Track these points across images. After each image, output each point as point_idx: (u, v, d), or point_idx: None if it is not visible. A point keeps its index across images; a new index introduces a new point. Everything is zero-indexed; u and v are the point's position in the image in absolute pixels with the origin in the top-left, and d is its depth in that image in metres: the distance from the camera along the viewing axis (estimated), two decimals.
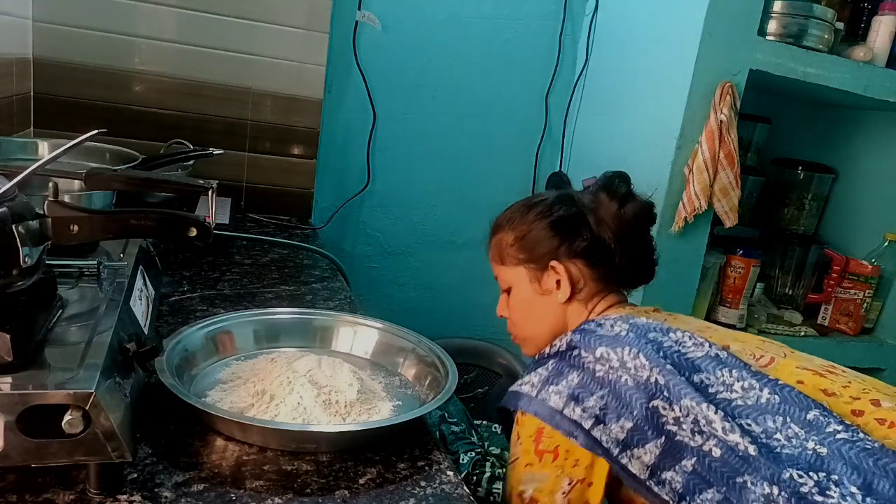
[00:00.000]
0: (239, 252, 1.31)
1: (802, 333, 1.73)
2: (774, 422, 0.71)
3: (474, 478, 1.64)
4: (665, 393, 0.74)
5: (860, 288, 1.75)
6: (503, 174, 1.96)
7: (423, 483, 0.68)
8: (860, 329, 1.79)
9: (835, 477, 0.65)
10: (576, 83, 1.88)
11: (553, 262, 0.91)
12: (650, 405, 0.74)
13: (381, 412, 0.78)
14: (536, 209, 0.95)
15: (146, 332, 0.77)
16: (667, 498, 0.71)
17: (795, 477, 0.66)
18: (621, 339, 0.79)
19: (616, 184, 0.94)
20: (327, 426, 0.72)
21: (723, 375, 0.75)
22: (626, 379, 0.76)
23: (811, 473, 0.66)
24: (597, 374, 0.78)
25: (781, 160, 1.91)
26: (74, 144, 0.64)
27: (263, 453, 0.68)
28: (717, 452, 0.70)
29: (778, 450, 0.69)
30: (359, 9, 1.68)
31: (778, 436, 0.70)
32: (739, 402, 0.73)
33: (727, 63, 1.42)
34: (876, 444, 0.66)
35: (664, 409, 0.73)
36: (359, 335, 0.95)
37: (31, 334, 0.58)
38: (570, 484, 0.76)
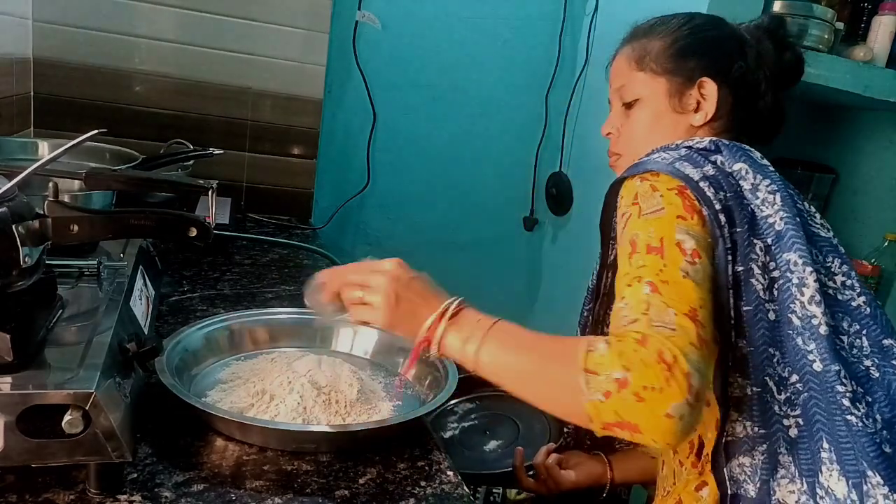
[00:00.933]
0: (239, 252, 1.31)
1: None
2: (850, 326, 0.70)
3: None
4: (774, 238, 0.69)
5: None
6: (503, 174, 1.96)
7: (422, 483, 0.68)
8: None
9: (869, 398, 0.66)
10: (576, 83, 1.88)
11: (704, 79, 0.84)
12: (753, 239, 0.69)
13: (381, 412, 0.78)
14: (696, 21, 0.89)
15: (146, 332, 0.77)
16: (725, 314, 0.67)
17: (840, 376, 0.65)
18: (766, 170, 0.73)
19: (781, 27, 0.89)
20: (327, 426, 0.72)
21: (831, 262, 0.73)
22: (750, 205, 0.71)
23: (853, 382, 0.66)
24: (729, 179, 0.71)
25: (781, 160, 1.91)
26: (74, 144, 0.64)
27: (263, 453, 0.68)
28: (772, 316, 0.68)
29: (838, 348, 0.68)
30: (359, 9, 1.68)
31: (845, 339, 0.69)
32: (831, 292, 0.71)
33: None
34: None
35: (760, 251, 0.69)
36: (359, 335, 0.95)
37: (31, 334, 0.58)
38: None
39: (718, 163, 0.74)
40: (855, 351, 0.69)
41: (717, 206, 0.68)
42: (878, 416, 0.65)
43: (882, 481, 0.62)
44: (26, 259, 0.57)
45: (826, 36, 1.47)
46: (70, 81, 1.45)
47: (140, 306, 0.78)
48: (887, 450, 0.64)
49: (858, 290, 0.72)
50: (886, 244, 1.77)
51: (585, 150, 1.83)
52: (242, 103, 1.57)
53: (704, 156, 0.74)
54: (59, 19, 1.41)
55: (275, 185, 1.64)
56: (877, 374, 0.68)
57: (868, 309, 0.71)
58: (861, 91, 1.51)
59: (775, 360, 0.68)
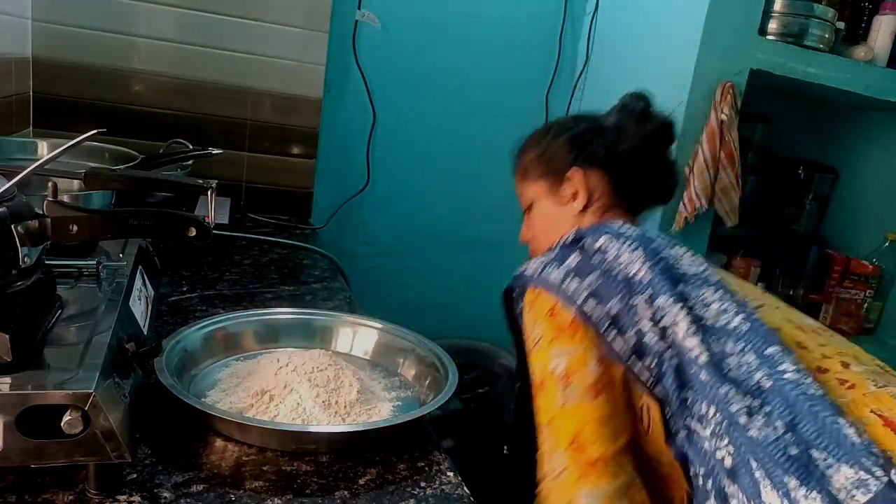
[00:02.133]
0: (238, 252, 1.31)
1: None
2: (734, 347, 0.73)
3: None
4: (648, 290, 0.75)
5: (861, 288, 1.75)
6: (503, 174, 1.95)
7: (422, 483, 0.67)
8: (861, 329, 1.79)
9: (767, 408, 0.68)
10: (576, 83, 1.88)
11: (570, 171, 0.94)
12: (631, 301, 0.74)
13: (381, 412, 0.78)
14: (557, 126, 1.00)
15: (145, 332, 0.77)
16: (644, 380, 0.73)
17: (731, 395, 0.68)
18: (625, 234, 0.80)
19: (634, 101, 0.97)
20: (327, 426, 0.72)
21: (703, 294, 0.76)
22: (619, 272, 0.76)
23: (747, 397, 0.68)
24: (593, 260, 0.78)
25: (782, 160, 1.91)
26: (74, 144, 0.64)
27: (263, 454, 0.68)
28: (674, 361, 0.72)
29: (726, 371, 0.71)
30: (358, 8, 1.68)
31: (731, 360, 0.72)
32: (709, 322, 0.74)
33: (728, 63, 1.42)
34: (818, 392, 0.68)
35: (643, 307, 0.74)
36: (358, 335, 0.95)
37: (31, 334, 0.57)
38: (598, 359, 0.74)
39: (585, 246, 0.81)
40: (744, 368, 0.71)
41: (584, 296, 0.75)
42: (778, 423, 0.66)
43: (798, 483, 0.63)
44: (25, 259, 0.57)
45: (827, 35, 1.47)
46: (69, 81, 1.44)
47: (139, 306, 0.78)
48: (793, 452, 0.65)
49: (734, 311, 0.75)
50: (887, 244, 1.77)
51: None
52: (242, 103, 1.57)
53: (570, 248, 0.82)
54: (58, 19, 1.41)
55: (274, 184, 1.64)
56: (769, 384, 0.69)
57: (746, 325, 0.73)
58: (862, 91, 1.51)
59: (689, 401, 0.71)
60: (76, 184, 0.76)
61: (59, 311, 0.65)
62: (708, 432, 0.70)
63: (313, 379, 0.77)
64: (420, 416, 0.75)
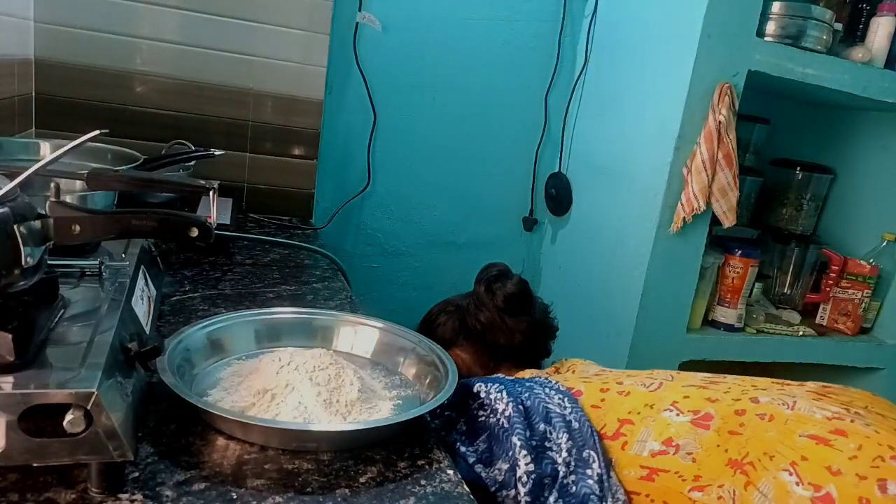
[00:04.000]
0: (240, 252, 1.32)
1: (801, 333, 1.73)
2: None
3: None
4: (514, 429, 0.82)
5: (858, 288, 1.76)
6: (503, 174, 1.96)
7: (423, 482, 0.68)
8: (858, 329, 1.80)
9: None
10: (575, 84, 1.88)
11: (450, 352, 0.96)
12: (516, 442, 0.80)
13: (382, 411, 0.78)
14: (427, 321, 1.19)
15: (148, 331, 0.78)
16: None
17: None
18: (494, 379, 0.89)
19: (484, 274, 1.13)
20: (328, 425, 0.73)
21: (559, 437, 0.81)
22: (500, 420, 0.83)
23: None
24: (479, 419, 0.86)
25: (780, 161, 1.92)
26: (76, 145, 0.65)
27: (264, 452, 0.69)
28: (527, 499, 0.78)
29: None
30: (359, 10, 1.69)
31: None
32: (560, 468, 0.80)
33: (726, 64, 1.43)
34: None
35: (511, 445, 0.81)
36: (359, 335, 0.96)
37: (33, 334, 0.58)
38: None
39: (468, 403, 0.89)
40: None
41: (472, 460, 0.83)
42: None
43: None
44: (28, 259, 0.57)
45: (824, 37, 1.48)
46: (72, 82, 1.45)
47: (142, 306, 0.78)
48: None
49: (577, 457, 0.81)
50: (885, 244, 1.78)
51: (585, 151, 1.84)
52: (243, 104, 1.57)
53: (458, 406, 0.91)
54: (60, 20, 1.42)
55: (276, 185, 1.65)
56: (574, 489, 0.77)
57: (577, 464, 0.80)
58: (859, 92, 1.52)
59: None
60: (79, 184, 0.76)
61: (62, 311, 0.65)
62: None
63: (314, 378, 0.78)
64: (420, 415, 0.75)
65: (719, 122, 1.41)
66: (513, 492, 0.77)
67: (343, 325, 0.96)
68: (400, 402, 0.83)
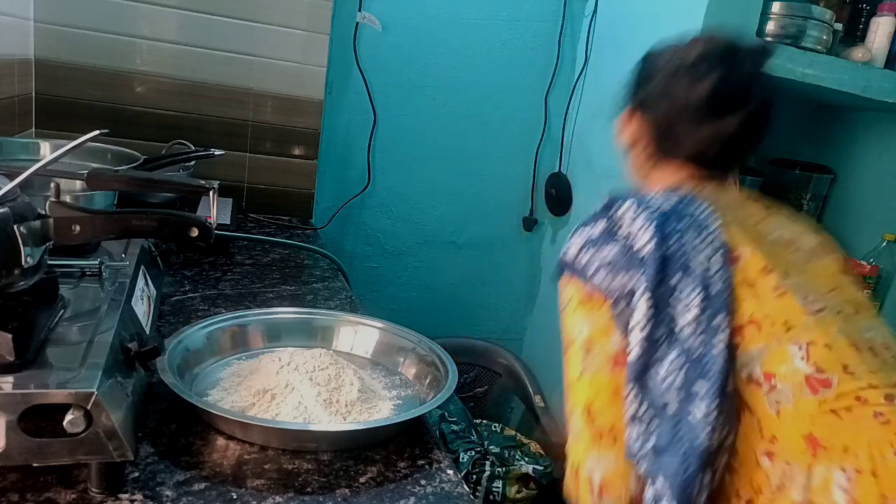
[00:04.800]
0: (240, 252, 1.32)
1: None
2: (672, 360, 0.70)
3: (474, 476, 1.65)
4: (640, 274, 0.73)
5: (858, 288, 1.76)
6: (503, 174, 1.96)
7: (423, 482, 0.68)
8: None
9: (652, 430, 0.70)
10: (575, 84, 1.88)
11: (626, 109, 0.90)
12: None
13: (382, 411, 0.78)
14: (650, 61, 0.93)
15: (147, 331, 0.78)
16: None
17: (631, 398, 0.71)
18: (648, 205, 0.76)
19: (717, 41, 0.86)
20: (328, 425, 0.73)
21: (690, 298, 0.71)
22: (631, 245, 0.74)
23: (644, 407, 0.70)
24: (615, 229, 0.76)
25: (780, 160, 1.91)
26: (76, 145, 0.65)
27: (264, 452, 0.69)
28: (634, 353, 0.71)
29: (644, 377, 0.71)
30: (359, 10, 1.69)
31: (658, 370, 0.71)
32: (673, 327, 0.71)
33: None
34: (700, 445, 0.67)
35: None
36: (359, 335, 0.96)
37: (33, 334, 0.58)
38: (622, 332, 0.74)
39: (612, 214, 0.79)
40: (663, 385, 0.70)
41: (595, 268, 0.75)
42: (648, 446, 0.69)
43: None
44: (28, 259, 0.57)
45: (824, 37, 1.47)
46: (72, 82, 1.45)
47: (141, 306, 0.78)
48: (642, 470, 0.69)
49: (700, 331, 0.71)
50: (885, 244, 1.77)
51: (585, 150, 1.84)
52: (243, 104, 1.57)
53: (599, 214, 0.80)
54: (60, 20, 1.42)
55: (276, 185, 1.65)
56: (670, 411, 0.69)
57: (699, 350, 0.70)
58: (859, 91, 1.52)
59: None
60: (79, 184, 0.76)
61: (62, 311, 0.65)
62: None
63: (314, 378, 0.78)
64: (420, 415, 0.75)
65: None
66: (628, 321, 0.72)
67: (343, 325, 0.96)
68: (400, 402, 0.83)
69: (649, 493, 0.68)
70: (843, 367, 0.68)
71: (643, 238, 0.73)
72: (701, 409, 0.67)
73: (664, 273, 0.72)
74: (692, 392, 0.68)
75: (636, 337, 0.71)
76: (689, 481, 0.66)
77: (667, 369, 0.70)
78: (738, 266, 0.73)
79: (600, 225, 0.77)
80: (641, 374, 0.70)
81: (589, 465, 0.71)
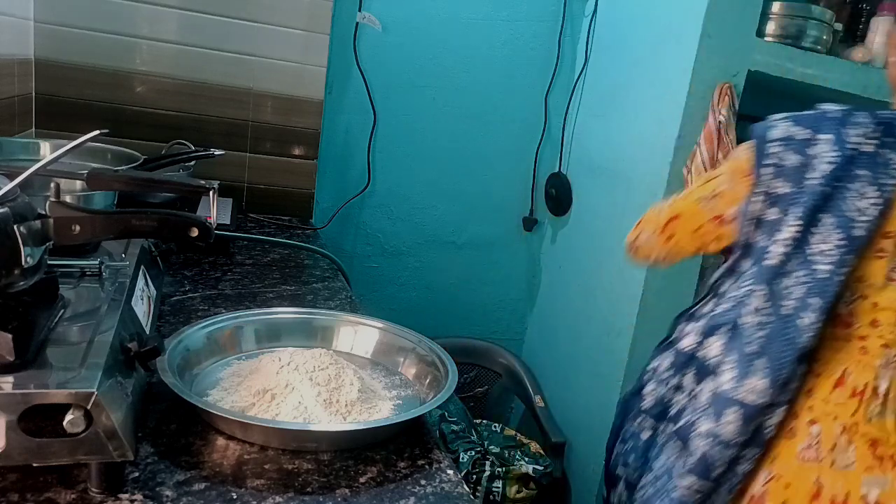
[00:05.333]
0: (240, 252, 1.32)
1: None
2: (799, 274, 0.83)
3: (474, 476, 1.65)
4: (801, 196, 0.84)
5: None
6: (503, 174, 1.96)
7: (423, 482, 0.68)
8: None
9: (765, 321, 0.86)
10: (575, 84, 1.88)
11: None
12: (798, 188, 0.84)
13: (382, 411, 0.78)
14: None
15: (148, 331, 0.78)
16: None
17: (754, 295, 0.86)
18: (847, 127, 0.83)
19: None
20: (328, 425, 0.73)
21: (830, 234, 0.82)
22: (809, 162, 0.84)
23: (764, 301, 0.85)
24: (809, 138, 0.85)
25: None
26: (76, 145, 0.65)
27: (264, 452, 0.69)
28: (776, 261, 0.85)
29: (774, 283, 0.84)
30: (359, 10, 1.69)
31: (786, 280, 0.84)
32: (807, 249, 0.83)
33: (726, 64, 1.43)
34: (803, 344, 0.83)
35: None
36: (359, 335, 0.96)
37: (33, 334, 0.58)
38: (742, 211, 0.90)
39: (818, 123, 0.86)
40: (785, 291, 0.83)
41: (771, 164, 0.86)
42: (754, 339, 0.84)
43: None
44: (28, 259, 0.57)
45: (825, 37, 1.48)
46: (72, 82, 1.45)
47: (141, 306, 0.78)
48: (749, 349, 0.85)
49: (829, 260, 0.82)
50: None
51: (585, 150, 1.84)
52: (243, 104, 1.57)
53: (810, 117, 0.88)
54: (60, 20, 1.42)
55: (276, 185, 1.65)
56: (785, 313, 0.83)
57: (825, 274, 0.82)
58: (859, 92, 1.52)
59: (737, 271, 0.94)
60: (79, 184, 0.77)
61: (62, 311, 0.65)
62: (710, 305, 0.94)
63: (314, 378, 0.78)
64: (420, 415, 0.75)
65: (719, 122, 1.41)
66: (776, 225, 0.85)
67: (343, 325, 0.96)
68: (400, 402, 0.83)
69: (755, 374, 0.83)
70: None
71: (820, 170, 0.82)
72: (810, 318, 0.81)
73: (820, 207, 0.82)
74: (807, 303, 0.81)
75: (777, 249, 0.84)
76: (786, 365, 0.82)
77: (793, 282, 0.83)
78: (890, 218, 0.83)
79: (804, 133, 0.85)
80: (772, 279, 0.84)
81: (643, 242, 1.02)
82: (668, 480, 0.90)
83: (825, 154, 0.82)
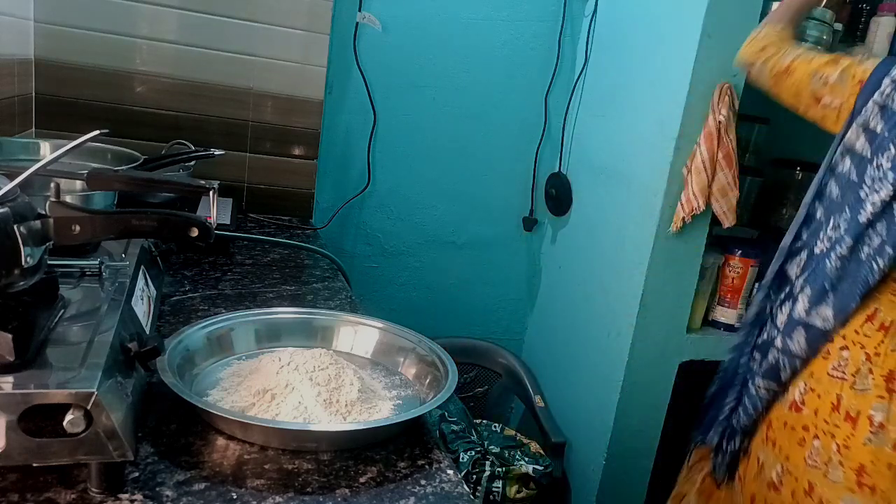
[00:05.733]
0: (240, 252, 1.32)
1: None
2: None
3: (474, 476, 1.65)
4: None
5: None
6: (503, 174, 1.96)
7: (423, 482, 0.68)
8: None
9: (837, 245, 1.07)
10: (575, 84, 1.88)
11: None
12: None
13: (382, 411, 0.78)
14: None
15: (147, 331, 0.78)
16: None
17: (832, 225, 1.09)
18: None
19: None
20: (328, 425, 0.73)
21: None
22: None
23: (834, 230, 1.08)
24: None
25: (780, 160, 1.91)
26: (76, 145, 0.65)
27: (264, 452, 0.69)
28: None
29: (855, 208, 1.04)
30: (359, 10, 1.69)
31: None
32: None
33: (726, 64, 1.42)
34: (871, 280, 1.03)
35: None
36: (359, 335, 0.96)
37: (33, 334, 0.58)
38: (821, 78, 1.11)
39: None
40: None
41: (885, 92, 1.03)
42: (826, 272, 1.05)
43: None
44: (28, 259, 0.57)
45: (825, 37, 1.47)
46: (72, 82, 1.45)
47: (141, 306, 0.78)
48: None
49: None
50: None
51: (585, 151, 1.84)
52: (243, 104, 1.57)
53: None
54: (60, 20, 1.42)
55: (276, 185, 1.65)
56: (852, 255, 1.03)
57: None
58: None
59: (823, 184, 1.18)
60: (79, 184, 0.77)
61: (62, 311, 0.65)
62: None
63: (314, 378, 0.78)
64: (420, 415, 0.75)
65: (719, 122, 1.41)
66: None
67: (343, 325, 0.96)
68: (400, 402, 0.83)
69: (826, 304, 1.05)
70: None
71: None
72: (882, 263, 1.00)
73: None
74: (885, 251, 0.99)
75: (869, 209, 1.01)
76: (855, 300, 1.02)
77: (875, 234, 1.01)
78: None
79: None
80: (860, 234, 1.02)
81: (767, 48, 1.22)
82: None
83: None
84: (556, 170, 1.93)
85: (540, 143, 1.94)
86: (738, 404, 1.18)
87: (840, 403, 1.03)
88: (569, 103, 1.89)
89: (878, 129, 1.01)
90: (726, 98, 1.41)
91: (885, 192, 0.99)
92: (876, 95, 1.03)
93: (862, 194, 1.02)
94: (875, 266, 0.99)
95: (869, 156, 1.03)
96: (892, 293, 1.02)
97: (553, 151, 1.94)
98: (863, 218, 1.01)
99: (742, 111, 1.46)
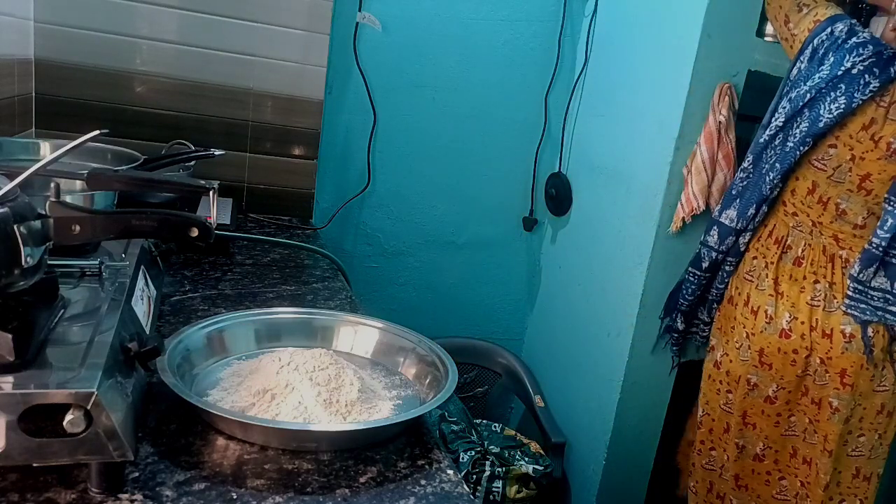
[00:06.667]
0: (240, 252, 1.32)
1: None
2: None
3: (474, 476, 1.65)
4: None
5: None
6: (503, 174, 1.96)
7: (423, 482, 0.68)
8: None
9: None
10: (575, 84, 1.88)
11: None
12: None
13: (382, 411, 0.78)
14: None
15: (147, 331, 0.78)
16: None
17: None
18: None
19: None
20: (328, 425, 0.73)
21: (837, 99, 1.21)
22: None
23: None
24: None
25: None
26: (76, 145, 0.65)
27: (264, 452, 0.69)
28: None
29: None
30: (359, 10, 1.69)
31: None
32: None
33: (726, 64, 1.42)
34: None
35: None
36: (359, 335, 0.96)
37: (33, 334, 0.58)
38: None
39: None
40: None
41: None
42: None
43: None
44: (28, 259, 0.57)
45: None
46: (71, 82, 1.45)
47: (141, 306, 0.78)
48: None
49: None
50: None
51: (585, 151, 1.84)
52: (243, 104, 1.57)
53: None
54: (60, 20, 1.42)
55: (276, 185, 1.65)
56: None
57: None
58: None
59: None
60: (79, 184, 0.77)
61: (62, 311, 0.65)
62: None
63: (314, 378, 0.78)
64: (420, 415, 0.75)
65: (719, 122, 1.41)
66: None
67: (343, 325, 0.96)
68: (400, 402, 0.83)
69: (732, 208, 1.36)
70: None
71: (820, 76, 1.22)
72: (772, 176, 1.29)
73: (806, 104, 1.23)
74: (774, 167, 1.29)
75: (768, 132, 1.30)
76: (752, 206, 1.32)
77: (771, 152, 1.31)
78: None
79: (839, 38, 1.23)
80: (760, 152, 1.33)
81: None
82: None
83: (825, 69, 1.20)
84: (556, 170, 1.93)
85: (540, 143, 1.94)
86: (681, 289, 1.48)
87: (749, 300, 1.34)
88: (569, 103, 1.89)
89: (802, 68, 1.24)
90: (726, 98, 1.41)
91: (780, 121, 1.26)
92: (816, 39, 1.23)
93: (772, 121, 1.28)
94: (769, 179, 1.29)
95: (787, 89, 1.27)
96: (784, 213, 1.32)
97: (553, 151, 1.94)
98: (762, 139, 1.30)
99: (742, 111, 1.46)
